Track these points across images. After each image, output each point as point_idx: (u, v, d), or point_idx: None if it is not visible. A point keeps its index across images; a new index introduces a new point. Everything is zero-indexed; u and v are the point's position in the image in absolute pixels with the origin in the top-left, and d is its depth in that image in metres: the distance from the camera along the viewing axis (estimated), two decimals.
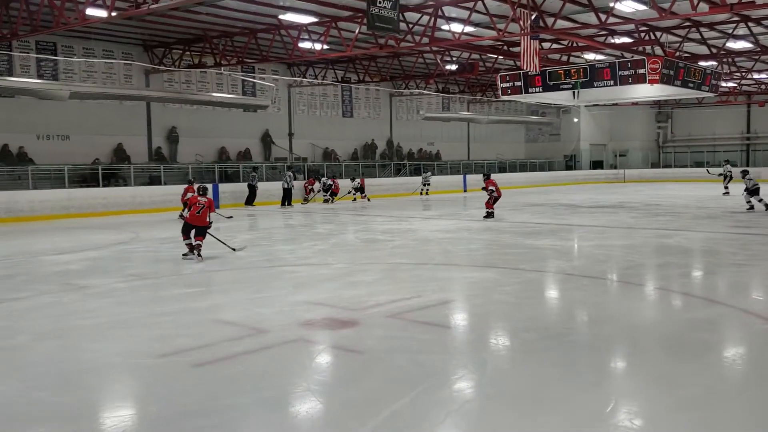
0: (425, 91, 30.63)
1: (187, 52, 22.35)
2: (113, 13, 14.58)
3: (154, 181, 21.47)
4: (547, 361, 5.07)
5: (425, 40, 18.46)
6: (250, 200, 21.94)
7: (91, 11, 14.93)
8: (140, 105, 22.99)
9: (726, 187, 24.05)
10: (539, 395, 4.34)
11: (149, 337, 5.83)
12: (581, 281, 8.39)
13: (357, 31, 18.07)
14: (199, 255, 10.14)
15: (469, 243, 12.21)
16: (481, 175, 17.40)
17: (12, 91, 19.14)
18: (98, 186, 19.82)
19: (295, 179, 23.10)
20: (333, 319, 6.37)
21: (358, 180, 24.64)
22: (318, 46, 19.96)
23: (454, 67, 25.59)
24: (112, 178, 20.71)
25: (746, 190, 17.21)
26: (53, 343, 5.71)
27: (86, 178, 20.27)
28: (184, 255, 10.39)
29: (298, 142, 28.31)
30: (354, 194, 24.00)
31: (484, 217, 16.13)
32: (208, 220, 10.23)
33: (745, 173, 17.68)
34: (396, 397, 4.23)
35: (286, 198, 22.12)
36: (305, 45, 20.45)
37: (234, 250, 10.84)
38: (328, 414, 4.14)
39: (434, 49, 22.69)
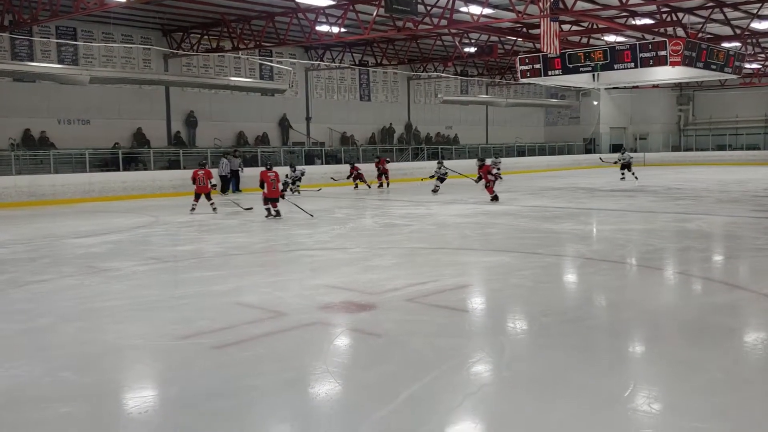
0: (443, 75, 30.43)
1: (205, 37, 22.38)
2: None
3: (173, 165, 21.62)
4: (565, 345, 5.06)
5: (444, 22, 18.32)
6: (224, 189, 20.48)
7: None
8: (159, 89, 23.10)
9: (623, 173, 24.21)
10: (557, 379, 4.35)
11: (170, 319, 5.91)
12: (600, 265, 8.35)
13: (375, 13, 17.96)
14: (278, 215, 13.26)
15: (486, 227, 12.18)
16: (476, 161, 17.47)
17: (33, 76, 19.31)
18: (118, 170, 20.01)
19: (237, 166, 21.25)
20: (351, 302, 6.40)
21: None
22: (335, 29, 19.88)
23: (472, 49, 25.38)
24: (132, 162, 20.89)
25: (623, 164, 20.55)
26: (76, 324, 5.80)
27: (107, 162, 20.47)
28: (275, 215, 13.24)
29: (316, 127, 28.30)
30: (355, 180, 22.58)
31: (492, 200, 16.27)
32: (278, 189, 13.36)
33: (623, 150, 20.70)
34: (413, 380, 4.25)
35: (225, 186, 20.61)
36: (323, 28, 20.39)
37: (311, 216, 13.22)
38: (346, 396, 4.18)
39: (453, 31, 22.51)
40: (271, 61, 25.12)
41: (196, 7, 19.48)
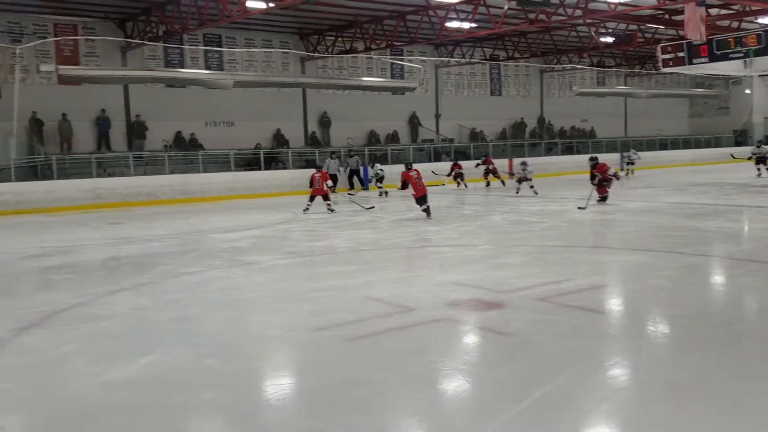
0: (578, 66, 29.37)
1: (339, 39, 23.07)
2: (271, 4, 15.39)
3: (309, 164, 22.45)
4: (707, 350, 4.74)
5: (578, 12, 17.68)
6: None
7: (251, 3, 15.86)
8: (297, 91, 24.12)
9: (758, 168, 21.10)
10: (699, 386, 4.08)
11: (306, 311, 6.17)
12: (750, 266, 7.73)
13: (506, 7, 17.68)
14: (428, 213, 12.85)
15: (624, 225, 11.63)
16: (588, 160, 15.20)
17: (184, 81, 20.87)
18: (260, 169, 21.11)
19: (356, 165, 21.23)
20: (479, 300, 6.37)
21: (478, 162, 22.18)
22: (466, 25, 19.78)
23: (609, 39, 24.28)
24: (272, 161, 21.97)
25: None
26: (222, 314, 6.21)
27: (249, 162, 21.68)
28: (426, 215, 12.88)
29: (445, 123, 28.31)
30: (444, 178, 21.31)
31: (598, 201, 14.40)
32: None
33: (759, 144, 17.14)
34: (545, 381, 4.16)
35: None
36: (453, 24, 20.35)
37: (369, 208, 12.74)
38: (475, 394, 4.17)
39: (588, 21, 21.66)
40: (401, 60, 25.44)
41: (330, 10, 20.13)
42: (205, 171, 20.21)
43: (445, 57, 27.35)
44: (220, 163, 20.90)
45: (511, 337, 5.20)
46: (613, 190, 14.99)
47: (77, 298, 6.85)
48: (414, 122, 27.29)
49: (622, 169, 26.12)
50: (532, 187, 17.25)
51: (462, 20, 19.79)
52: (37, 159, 18.49)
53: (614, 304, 6.50)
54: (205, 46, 22.02)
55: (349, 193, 19.00)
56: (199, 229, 12.69)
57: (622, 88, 33.50)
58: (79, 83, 19.42)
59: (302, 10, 19.58)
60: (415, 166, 14.21)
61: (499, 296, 6.43)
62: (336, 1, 19.10)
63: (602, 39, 24.30)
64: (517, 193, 17.55)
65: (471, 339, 5.36)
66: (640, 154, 26.50)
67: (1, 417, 3.93)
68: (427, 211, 12.90)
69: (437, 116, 28.22)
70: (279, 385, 4.46)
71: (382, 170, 19.78)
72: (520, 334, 5.29)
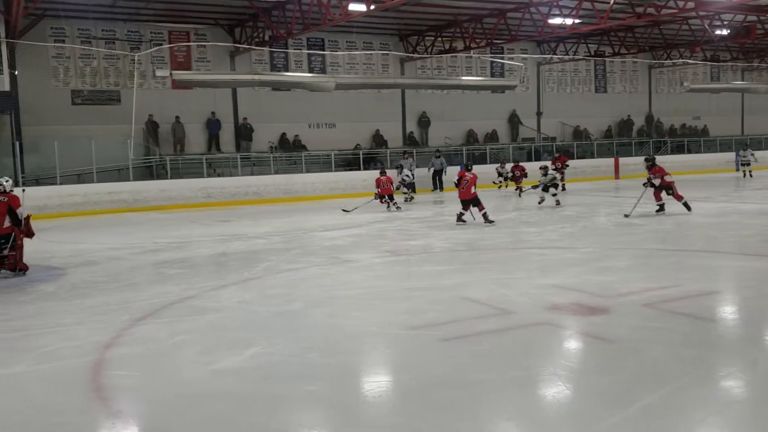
0: (690, 61, 27.91)
1: (439, 38, 23.07)
2: (372, 7, 15.59)
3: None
4: None
5: (691, 4, 16.78)
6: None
7: (353, 6, 16.15)
8: (396, 92, 24.33)
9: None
10: None
11: (402, 309, 6.23)
12: None
13: (612, 1, 17.06)
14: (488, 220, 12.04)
15: (740, 228, 10.95)
16: (644, 162, 13.21)
17: (288, 84, 21.53)
18: (359, 169, 21.47)
19: (440, 166, 20.91)
20: (581, 304, 6.19)
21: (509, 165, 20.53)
22: (569, 21, 19.24)
23: (725, 32, 22.89)
24: (371, 161, 22.29)
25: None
26: (322, 310, 6.37)
27: (349, 162, 22.09)
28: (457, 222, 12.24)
29: (547, 121, 27.67)
30: (502, 182, 20.47)
31: (656, 211, 12.76)
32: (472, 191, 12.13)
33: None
34: (649, 390, 4.00)
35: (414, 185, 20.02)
36: (556, 21, 19.86)
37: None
38: (574, 400, 4.07)
39: (701, 14, 20.52)
40: (502, 59, 25.10)
41: (430, 10, 20.16)
42: (308, 171, 20.79)
43: (548, 54, 26.72)
44: (321, 163, 21.44)
45: (614, 344, 5.03)
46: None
47: (188, 291, 7.25)
48: (514, 121, 26.85)
49: (737, 170, 24.60)
50: (554, 195, 15.13)
51: (565, 16, 19.27)
52: (153, 159, 19.67)
53: (727, 312, 6.14)
54: (308, 49, 22.64)
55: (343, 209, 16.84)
56: (302, 228, 13.06)
57: (738, 83, 31.49)
58: (191, 87, 20.47)
59: (402, 11, 19.72)
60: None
61: (602, 301, 6.23)
62: (436, 1, 19.11)
63: (717, 32, 22.94)
64: (540, 203, 15.26)
65: (572, 344, 5.23)
66: (760, 153, 24.80)
67: (118, 401, 4.22)
68: (485, 216, 12.04)
69: (539, 114, 27.64)
70: (375, 382, 4.53)
71: (408, 176, 18.55)
72: (624, 340, 5.10)
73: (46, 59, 19.23)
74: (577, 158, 24.73)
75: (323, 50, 22.89)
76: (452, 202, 16.68)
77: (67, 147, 17.48)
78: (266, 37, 19.88)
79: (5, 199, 8.42)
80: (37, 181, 17.92)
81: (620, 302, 6.17)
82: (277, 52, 22.09)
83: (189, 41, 21.02)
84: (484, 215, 12.07)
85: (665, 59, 28.14)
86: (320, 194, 20.03)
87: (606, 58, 27.35)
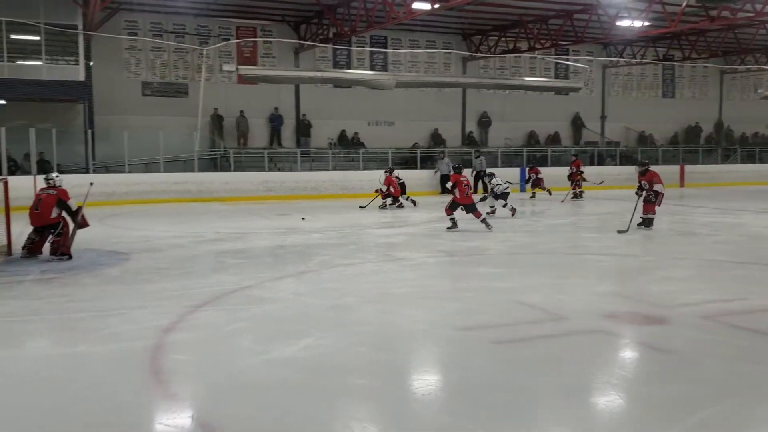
0: (766, 67, 26.79)
1: (503, 38, 22.85)
2: (436, 5, 15.59)
3: (466, 164, 22.47)
4: None
5: None
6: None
7: (417, 5, 16.19)
8: (456, 91, 24.23)
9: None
10: None
11: (454, 310, 6.22)
12: None
13: (684, 4, 16.55)
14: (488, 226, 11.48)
15: None
16: (636, 167, 11.76)
17: (350, 82, 21.75)
18: (416, 168, 21.48)
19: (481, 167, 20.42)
20: (638, 313, 6.06)
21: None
22: (638, 24, 18.76)
23: None
24: (429, 160, 22.27)
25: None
26: (374, 306, 6.43)
27: (406, 161, 22.13)
28: (448, 228, 11.61)
29: (611, 126, 27.08)
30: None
31: (638, 224, 11.45)
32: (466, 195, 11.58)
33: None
34: (705, 405, 3.89)
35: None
36: (624, 23, 19.40)
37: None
38: (627, 410, 3.99)
39: None
40: (567, 60, 24.68)
41: (495, 10, 20.01)
42: (365, 168, 20.91)
43: (614, 57, 26.13)
44: (378, 161, 21.54)
45: (670, 355, 4.91)
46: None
47: (246, 281, 7.42)
48: (577, 123, 26.37)
49: None
50: (504, 205, 13.81)
51: (634, 19, 18.80)
52: (217, 152, 20.19)
53: None
54: (371, 47, 22.79)
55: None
56: (357, 224, 13.17)
57: None
58: (255, 83, 20.91)
59: (466, 10, 19.62)
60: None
61: (660, 311, 6.07)
62: (501, 1, 18.96)
63: None
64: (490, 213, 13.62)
65: (627, 353, 5.12)
66: None
67: (175, 384, 4.36)
68: (485, 222, 11.55)
69: (602, 118, 27.06)
70: (424, 380, 4.55)
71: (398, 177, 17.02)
72: (681, 352, 4.97)
73: (119, 51, 19.96)
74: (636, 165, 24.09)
75: (386, 48, 22.99)
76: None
77: (136, 137, 18.12)
78: (330, 34, 20.12)
79: (54, 192, 8.93)
80: (107, 169, 18.65)
81: (679, 313, 6.00)
82: (340, 49, 22.31)
83: (256, 37, 21.47)
84: (484, 221, 11.55)
85: (738, 64, 27.13)
86: (376, 192, 20.11)
87: (675, 63, 26.55)
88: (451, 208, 11.70)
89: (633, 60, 25.91)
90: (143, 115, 19.78)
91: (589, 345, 5.19)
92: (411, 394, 4.26)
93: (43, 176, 9.40)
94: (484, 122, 24.88)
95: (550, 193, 18.54)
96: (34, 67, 17.86)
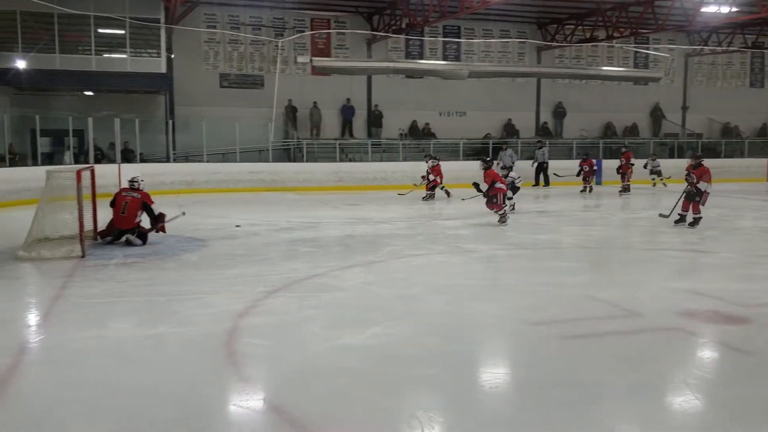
0: None
1: (579, 27, 22.26)
2: None
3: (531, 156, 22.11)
4: None
5: None
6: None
7: None
8: (530, 81, 23.79)
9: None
10: None
11: (523, 303, 6.15)
12: None
13: None
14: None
15: None
16: (690, 158, 11.10)
17: (422, 72, 21.70)
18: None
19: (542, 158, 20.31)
20: (718, 312, 5.82)
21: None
22: (725, 9, 17.90)
23: None
24: (500, 151, 21.97)
25: None
26: (442, 297, 6.44)
27: (478, 152, 21.90)
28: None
29: (693, 117, 25.95)
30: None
31: (676, 221, 11.04)
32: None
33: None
34: None
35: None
36: (709, 9, 18.54)
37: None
38: (703, 411, 3.87)
39: None
40: (647, 49, 23.81)
41: None
42: None
43: (698, 45, 25.00)
44: (449, 152, 21.43)
45: (751, 356, 4.71)
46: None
47: (317, 269, 7.57)
48: (657, 114, 25.42)
49: None
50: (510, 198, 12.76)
51: (720, 4, 17.94)
52: (291, 142, 20.58)
53: None
54: (444, 37, 22.66)
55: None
56: (426, 215, 13.18)
57: None
58: (328, 74, 21.15)
59: None
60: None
61: (741, 310, 5.82)
62: None
63: None
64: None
65: (704, 353, 4.95)
66: None
67: (248, 367, 4.52)
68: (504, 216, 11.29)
69: (684, 108, 25.99)
70: (492, 373, 4.54)
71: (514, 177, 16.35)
72: (763, 353, 4.77)
73: (198, 44, 20.59)
74: (725, 157, 23.08)
75: (459, 38, 22.80)
76: (559, 198, 16.16)
77: (213, 127, 18.68)
78: (403, 25, 20.11)
79: (138, 196, 9.32)
80: (186, 158, 19.33)
81: (761, 313, 5.75)
82: (413, 39, 22.28)
83: (329, 28, 21.71)
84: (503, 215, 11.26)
85: None
86: (446, 183, 20.04)
87: (765, 50, 25.17)
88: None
89: (718, 48, 24.72)
90: (220, 106, 20.37)
91: (663, 343, 5.04)
92: (478, 386, 4.26)
93: (128, 180, 9.73)
94: (559, 113, 24.34)
95: (591, 190, 18.01)
96: (119, 59, 18.66)
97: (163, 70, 18.77)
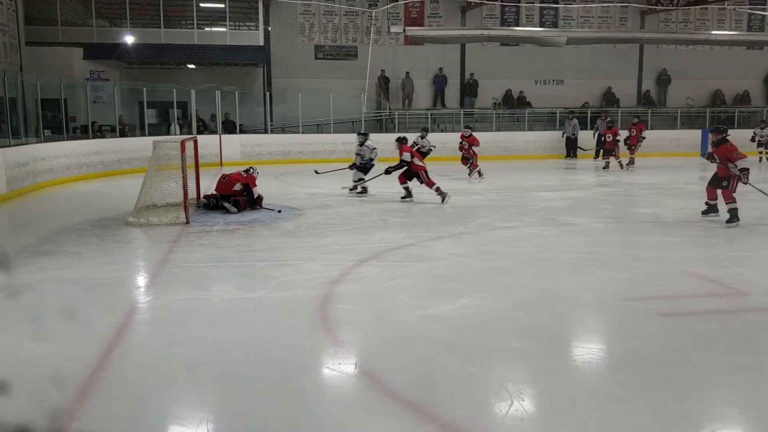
0: None
1: None
2: None
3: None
4: None
5: None
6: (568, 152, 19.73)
7: None
8: (632, 48, 22.71)
9: None
10: None
11: (619, 279, 5.98)
12: None
13: None
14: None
15: None
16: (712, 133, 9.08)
17: (517, 39, 21.16)
18: (587, 128, 20.54)
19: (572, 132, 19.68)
20: None
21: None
22: None
23: None
24: (597, 119, 21.19)
25: None
26: (533, 270, 6.35)
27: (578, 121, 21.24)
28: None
29: None
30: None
31: (703, 212, 9.12)
32: None
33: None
34: None
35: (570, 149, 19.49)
36: None
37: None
38: None
39: None
40: (763, 10, 22.12)
41: None
42: (530, 129, 20.38)
43: None
44: (545, 121, 20.90)
45: None
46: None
47: (407, 240, 7.65)
48: None
49: None
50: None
51: None
52: (383, 113, 20.67)
53: None
54: (541, 2, 21.94)
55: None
56: (519, 187, 12.96)
57: None
58: (421, 43, 21.00)
59: None
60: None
61: None
62: None
63: None
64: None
65: None
66: None
67: (341, 332, 4.65)
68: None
69: None
70: (585, 348, 4.45)
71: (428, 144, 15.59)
72: None
73: (294, 16, 20.94)
74: None
75: (557, 3, 22.01)
76: (658, 170, 15.36)
77: (308, 98, 19.04)
78: None
79: (245, 175, 9.94)
80: (283, 129, 19.84)
81: None
82: (509, 6, 21.71)
83: None
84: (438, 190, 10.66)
85: None
86: (541, 153, 19.60)
87: None
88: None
89: None
90: (315, 77, 20.71)
91: None
92: (570, 361, 4.19)
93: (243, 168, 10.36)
94: (663, 80, 23.13)
95: (622, 166, 16.52)
96: (219, 33, 19.28)
97: (261, 42, 19.25)
